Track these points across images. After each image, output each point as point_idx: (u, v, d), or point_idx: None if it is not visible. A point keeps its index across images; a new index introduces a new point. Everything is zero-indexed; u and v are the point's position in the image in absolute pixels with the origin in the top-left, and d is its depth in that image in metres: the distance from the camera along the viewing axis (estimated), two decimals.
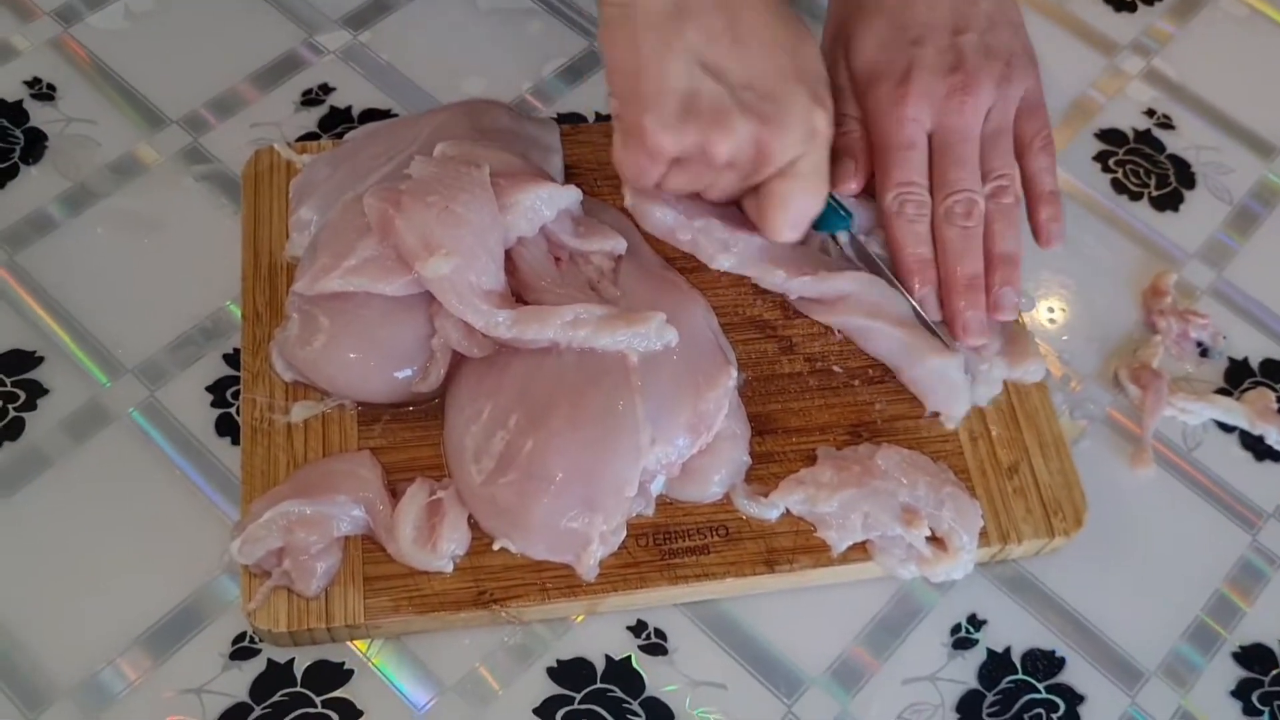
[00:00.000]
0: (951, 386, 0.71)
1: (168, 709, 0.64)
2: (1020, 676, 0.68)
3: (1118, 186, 0.87)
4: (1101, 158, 0.88)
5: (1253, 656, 0.70)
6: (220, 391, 0.73)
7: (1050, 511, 0.70)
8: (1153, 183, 0.87)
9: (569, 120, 0.85)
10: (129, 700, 0.64)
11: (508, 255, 0.69)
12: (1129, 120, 0.90)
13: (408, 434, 0.69)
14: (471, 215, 0.66)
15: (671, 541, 0.67)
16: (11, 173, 0.80)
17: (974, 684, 0.68)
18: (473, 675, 0.66)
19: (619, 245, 0.72)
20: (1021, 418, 0.73)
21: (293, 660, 0.65)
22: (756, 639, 0.68)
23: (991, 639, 0.69)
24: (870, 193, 0.76)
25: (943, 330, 0.72)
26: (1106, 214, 0.85)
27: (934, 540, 0.68)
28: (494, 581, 0.65)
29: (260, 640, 0.66)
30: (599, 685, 0.66)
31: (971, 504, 0.68)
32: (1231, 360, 0.80)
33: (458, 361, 0.68)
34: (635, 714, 0.65)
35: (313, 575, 0.64)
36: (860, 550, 0.68)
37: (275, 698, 0.64)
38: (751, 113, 0.64)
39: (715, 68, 0.63)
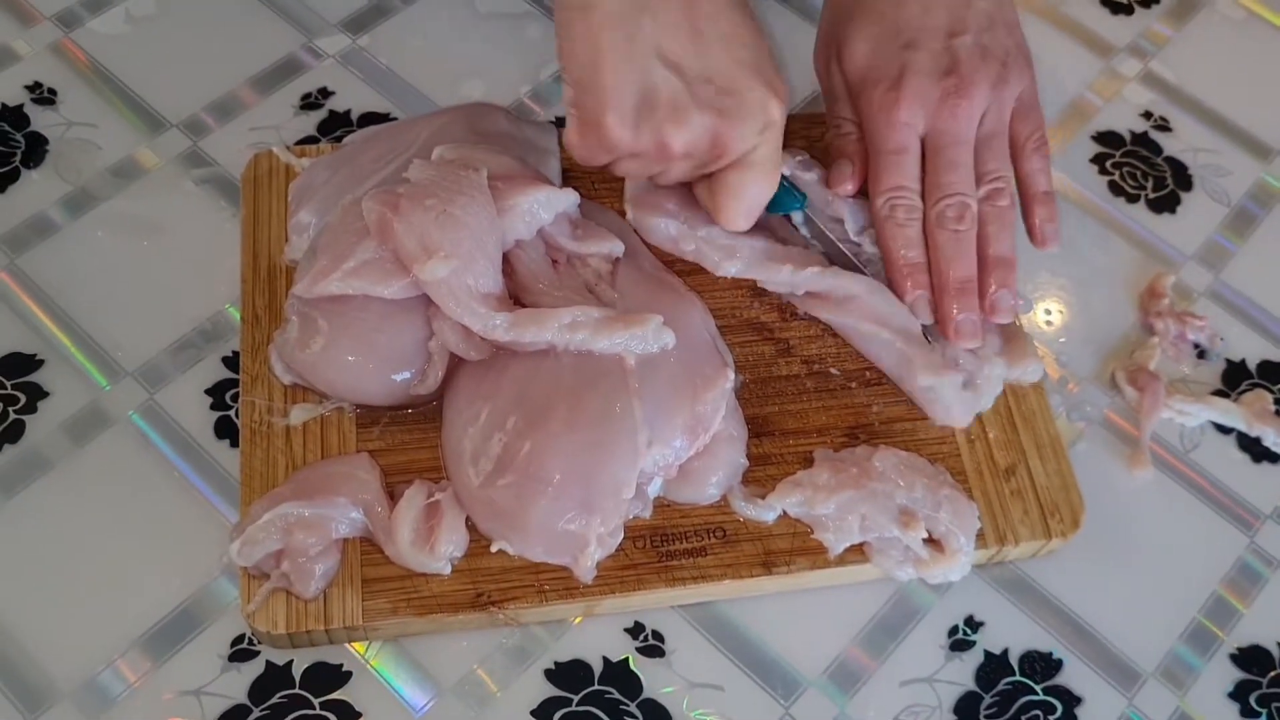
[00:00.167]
0: (948, 404, 0.71)
1: (167, 711, 0.64)
2: (1018, 678, 0.68)
3: (1115, 189, 0.87)
4: (1099, 160, 0.88)
5: (1250, 658, 0.70)
6: (219, 394, 0.73)
7: (1047, 513, 0.70)
8: (1150, 185, 0.87)
9: (565, 123, 0.85)
10: (128, 702, 0.64)
11: (506, 258, 0.69)
12: (1126, 123, 0.90)
13: (406, 436, 0.69)
14: (469, 218, 0.66)
15: (669, 543, 0.67)
16: (12, 176, 0.80)
17: (971, 686, 0.68)
18: (471, 677, 0.66)
19: (616, 248, 0.73)
20: (1019, 420, 0.73)
21: (291, 662, 0.66)
22: (754, 641, 0.68)
23: (989, 641, 0.69)
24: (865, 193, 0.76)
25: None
26: (1104, 216, 0.85)
27: (931, 542, 0.68)
28: (492, 583, 0.65)
29: (259, 642, 0.66)
30: (597, 687, 0.66)
31: (969, 506, 0.69)
32: (1229, 362, 0.80)
33: (456, 364, 0.69)
34: (633, 716, 0.65)
35: (311, 577, 0.64)
36: (857, 552, 0.68)
37: (274, 699, 0.64)
38: (708, 107, 0.64)
39: (673, 61, 0.63)
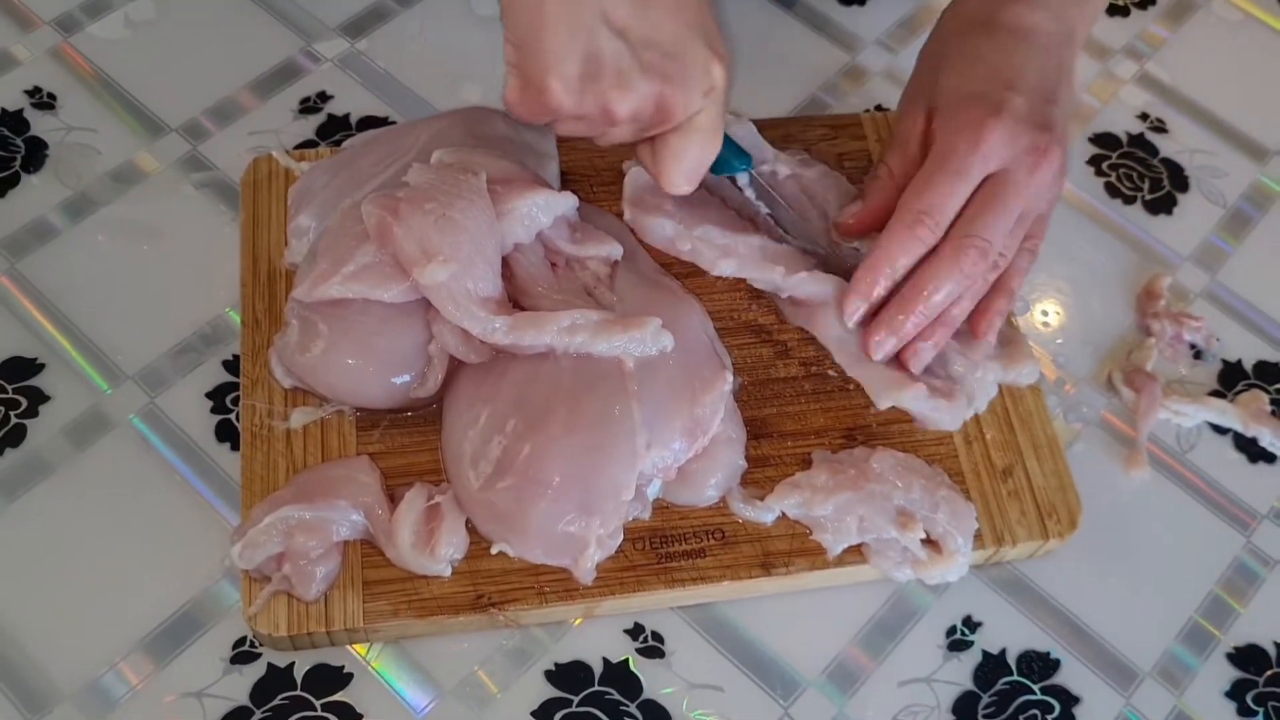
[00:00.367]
0: (922, 416, 0.72)
1: (169, 713, 0.64)
2: (1015, 678, 0.69)
3: (1111, 190, 0.87)
4: (1095, 161, 0.88)
5: (1247, 657, 0.70)
6: (220, 398, 0.73)
7: (1045, 514, 0.70)
8: (1146, 186, 0.87)
9: None
10: (130, 704, 0.64)
11: (505, 261, 0.69)
12: (1123, 124, 0.90)
13: (406, 439, 0.70)
14: (469, 222, 0.66)
15: (668, 545, 0.68)
16: (13, 181, 0.80)
17: (969, 686, 0.68)
18: (471, 678, 0.66)
19: (615, 251, 0.73)
20: (1016, 421, 0.73)
21: (293, 664, 0.66)
22: (753, 641, 0.68)
23: (987, 641, 0.70)
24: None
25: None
26: (1100, 218, 0.86)
27: (929, 543, 0.68)
28: (492, 585, 0.66)
29: (260, 644, 0.66)
30: (597, 688, 0.66)
31: (966, 507, 0.69)
32: (1225, 363, 0.80)
33: (455, 367, 0.69)
34: (633, 716, 0.66)
35: (312, 580, 0.64)
36: (856, 553, 0.68)
37: (275, 701, 0.65)
38: (653, 72, 0.63)
39: (618, 26, 0.62)
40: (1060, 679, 0.69)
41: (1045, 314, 0.81)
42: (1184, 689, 0.69)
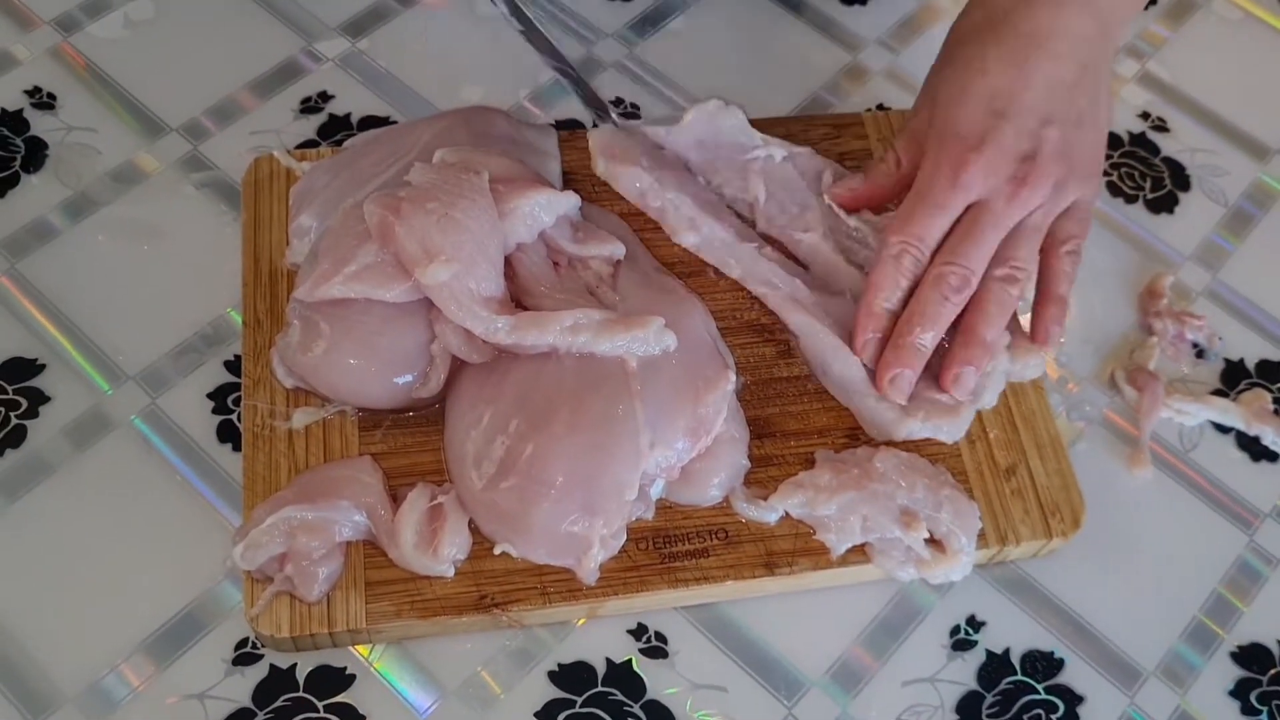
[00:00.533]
0: (911, 433, 0.71)
1: (171, 714, 0.64)
2: (1019, 677, 0.68)
3: (1113, 189, 0.87)
4: None
5: (1251, 656, 0.70)
6: (222, 398, 0.73)
7: (1048, 513, 0.70)
8: (1148, 185, 0.87)
9: (566, 126, 0.85)
10: (132, 706, 0.64)
11: (507, 261, 0.69)
12: (1124, 123, 0.90)
13: (408, 439, 0.69)
14: (471, 222, 0.66)
15: (671, 545, 0.67)
16: (12, 181, 0.80)
17: (973, 685, 0.68)
18: (474, 679, 0.66)
19: (617, 250, 0.73)
20: (1019, 419, 0.73)
21: (295, 665, 0.66)
22: (756, 642, 0.68)
23: (990, 640, 0.69)
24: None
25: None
26: (1102, 217, 0.85)
27: (932, 542, 0.68)
28: (495, 586, 0.66)
29: (263, 646, 0.66)
30: (600, 689, 0.66)
31: (970, 506, 0.69)
32: (1227, 361, 0.80)
33: (458, 367, 0.69)
34: (636, 717, 0.65)
35: (315, 580, 0.64)
36: (859, 553, 0.68)
37: (278, 703, 0.65)
38: None
39: None
40: (1064, 678, 0.69)
41: None
42: (1188, 688, 0.69)
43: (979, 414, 0.73)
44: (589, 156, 0.80)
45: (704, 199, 0.77)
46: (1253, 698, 0.69)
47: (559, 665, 0.67)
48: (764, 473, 0.70)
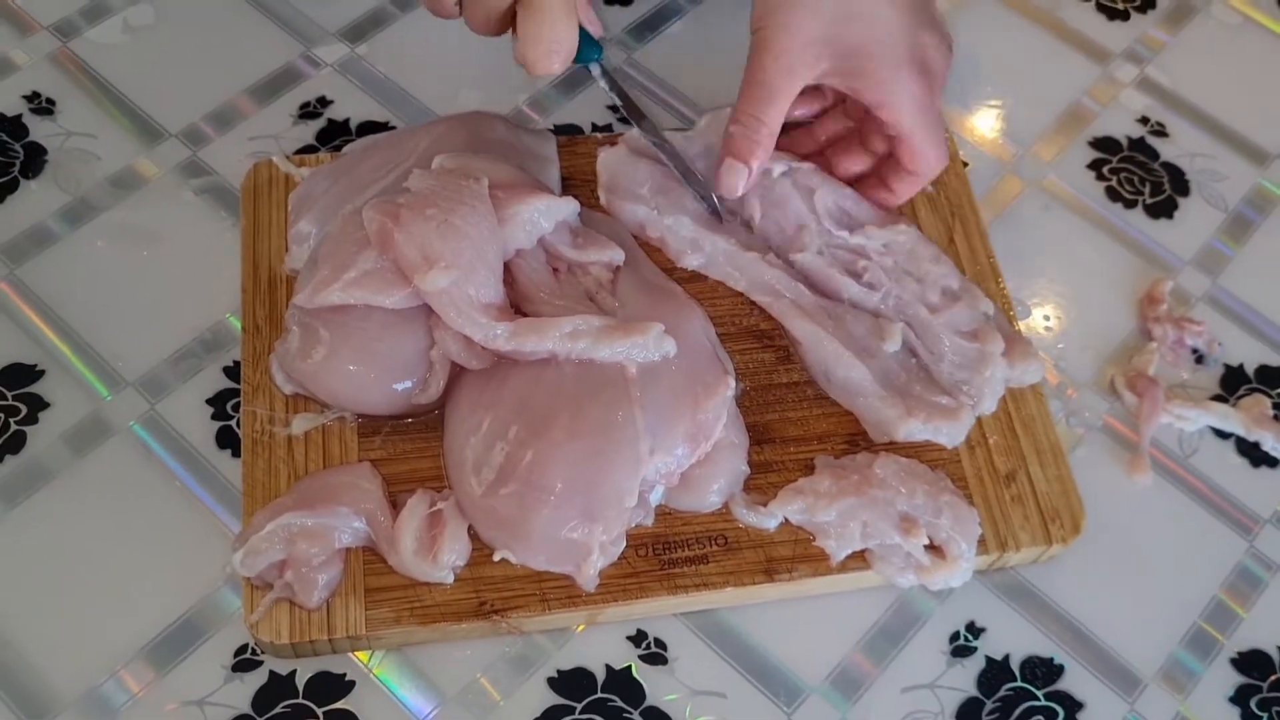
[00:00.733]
0: (909, 435, 0.72)
1: None
2: (1019, 684, 0.68)
3: (1112, 194, 0.87)
4: (1096, 166, 0.88)
5: (1251, 662, 0.70)
6: (221, 404, 0.73)
7: (1048, 519, 0.70)
8: (1147, 190, 0.87)
9: (565, 131, 0.85)
10: (131, 712, 0.64)
11: (506, 267, 0.69)
12: (1123, 128, 0.90)
13: (408, 446, 0.69)
14: (470, 228, 0.66)
15: (671, 551, 0.67)
16: (11, 187, 0.80)
17: (973, 692, 0.68)
18: (474, 686, 0.66)
19: (617, 256, 0.73)
20: (1019, 425, 0.73)
21: (294, 672, 0.66)
22: (756, 648, 0.68)
23: (990, 647, 0.69)
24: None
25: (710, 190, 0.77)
26: (1101, 222, 0.85)
27: (932, 548, 0.68)
28: (494, 592, 0.65)
29: (262, 652, 0.66)
30: (599, 695, 0.66)
31: (969, 512, 0.69)
32: (1227, 367, 0.80)
33: (457, 373, 0.69)
34: None
35: (314, 587, 0.64)
36: (859, 559, 0.68)
37: (277, 709, 0.64)
38: None
39: None
40: (1064, 685, 0.69)
41: (1047, 318, 0.81)
42: (1188, 694, 0.69)
43: (979, 420, 0.73)
44: (588, 161, 0.80)
45: (702, 215, 0.77)
46: (1253, 704, 0.69)
47: (558, 672, 0.67)
48: (763, 479, 0.70)
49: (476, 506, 0.66)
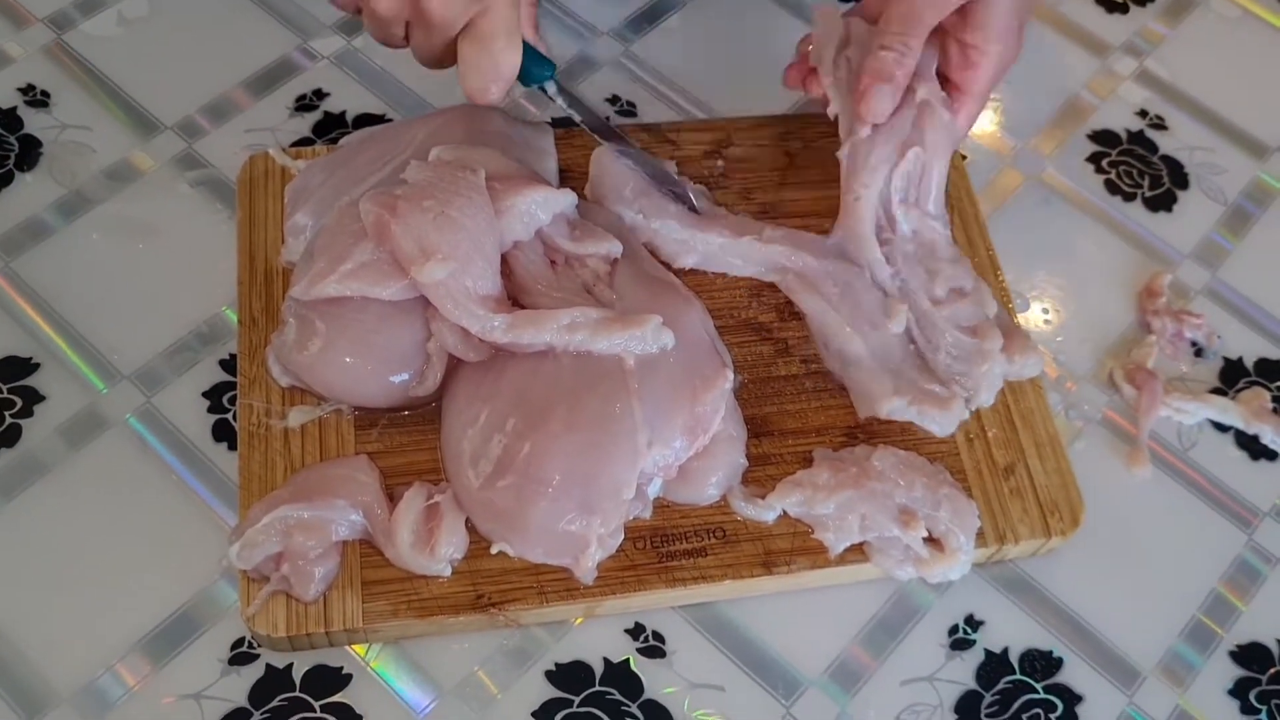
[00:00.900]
0: (918, 423, 0.72)
1: (167, 714, 0.64)
2: (1018, 677, 0.68)
3: (1111, 187, 0.87)
4: (1095, 159, 0.88)
5: (1250, 655, 0.70)
6: (217, 397, 0.73)
7: (1047, 512, 0.70)
8: (1146, 183, 0.87)
9: (562, 124, 0.85)
10: (128, 706, 0.64)
11: (504, 259, 0.69)
12: (1122, 121, 0.90)
13: (405, 438, 0.69)
14: (467, 220, 0.66)
15: (669, 544, 0.67)
16: (6, 179, 0.80)
17: (972, 684, 0.68)
18: (471, 679, 0.66)
19: (615, 248, 0.72)
20: (1017, 418, 0.73)
21: (291, 665, 0.65)
22: (754, 641, 0.68)
23: (989, 639, 0.69)
24: None
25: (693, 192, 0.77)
26: (1100, 215, 0.85)
27: (931, 541, 0.68)
28: (492, 585, 0.65)
29: (259, 645, 0.66)
30: (598, 688, 0.66)
31: (968, 505, 0.69)
32: (1226, 360, 0.80)
33: (454, 365, 0.68)
34: (634, 716, 0.65)
35: (311, 580, 0.64)
36: (857, 552, 0.68)
37: (274, 703, 0.64)
38: None
39: None
40: (1063, 677, 0.68)
41: (1046, 311, 0.81)
42: (1187, 687, 0.69)
43: (977, 412, 0.73)
44: (585, 154, 0.80)
45: (688, 216, 0.77)
46: (1252, 697, 0.69)
47: (556, 665, 0.67)
48: (762, 471, 0.70)
49: (474, 499, 0.65)
